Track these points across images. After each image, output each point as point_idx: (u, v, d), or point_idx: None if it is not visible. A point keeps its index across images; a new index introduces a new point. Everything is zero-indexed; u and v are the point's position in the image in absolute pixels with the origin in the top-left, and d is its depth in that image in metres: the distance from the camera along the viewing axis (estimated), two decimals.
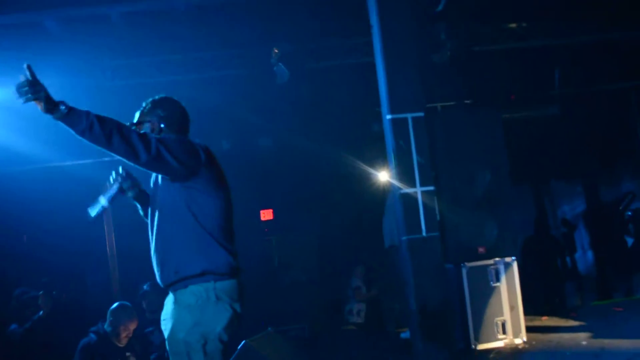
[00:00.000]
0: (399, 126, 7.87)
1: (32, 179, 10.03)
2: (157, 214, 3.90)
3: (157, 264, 3.88)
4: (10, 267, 9.57)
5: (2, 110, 8.99)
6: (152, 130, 4.04)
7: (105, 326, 6.71)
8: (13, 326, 7.37)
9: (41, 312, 7.23)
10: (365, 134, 10.69)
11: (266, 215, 12.52)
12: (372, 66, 8.19)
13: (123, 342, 6.73)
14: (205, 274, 3.74)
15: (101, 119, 3.55)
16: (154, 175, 4.04)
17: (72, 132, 3.54)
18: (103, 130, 3.54)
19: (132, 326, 6.77)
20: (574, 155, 12.84)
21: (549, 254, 12.70)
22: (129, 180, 4.12)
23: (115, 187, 4.13)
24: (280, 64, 9.59)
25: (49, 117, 3.51)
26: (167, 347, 3.81)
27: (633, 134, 13.29)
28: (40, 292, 7.40)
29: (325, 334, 10.21)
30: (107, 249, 9.89)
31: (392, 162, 7.93)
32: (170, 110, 4.15)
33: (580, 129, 12.34)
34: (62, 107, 3.49)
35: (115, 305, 6.80)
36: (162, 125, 4.07)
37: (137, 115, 4.18)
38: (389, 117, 7.89)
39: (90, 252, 10.06)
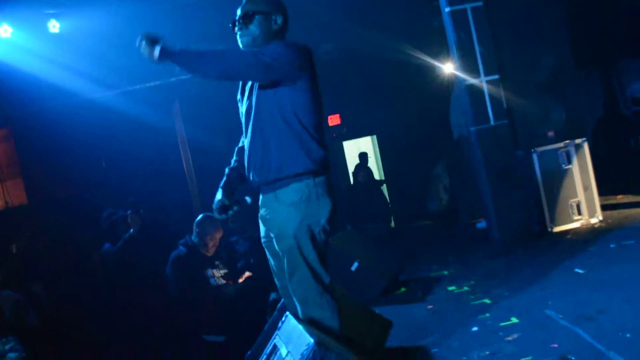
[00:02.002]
0: (458, 18, 7.84)
1: (103, 105, 10.29)
2: (254, 116, 3.92)
3: (256, 163, 3.94)
4: (93, 192, 9.94)
5: (74, 38, 9.22)
6: (266, 22, 3.92)
7: (193, 237, 6.97)
8: (106, 245, 7.70)
9: (131, 230, 7.52)
10: (426, 30, 10.62)
11: (333, 120, 12.66)
12: None
13: (211, 252, 7.00)
14: (305, 171, 3.86)
15: (201, 50, 3.58)
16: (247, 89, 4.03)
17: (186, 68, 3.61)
18: (212, 56, 3.58)
19: (218, 235, 7.03)
20: None
21: (620, 134, 12.55)
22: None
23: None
24: None
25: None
26: (277, 245, 3.98)
27: None
28: (129, 212, 7.68)
29: (403, 230, 10.40)
30: (184, 167, 10.18)
31: (455, 54, 7.93)
32: (286, 15, 4.00)
33: None
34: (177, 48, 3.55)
35: (200, 217, 7.03)
36: (277, 20, 3.94)
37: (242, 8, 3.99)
38: (447, 9, 7.86)
39: (167, 172, 10.35)
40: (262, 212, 4.04)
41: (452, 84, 10.18)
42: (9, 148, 11.21)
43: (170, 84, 10.24)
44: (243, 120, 4.04)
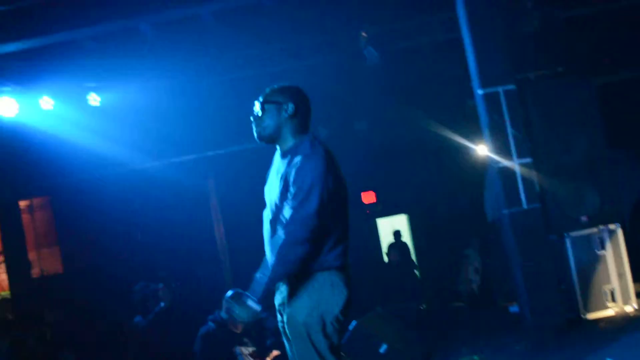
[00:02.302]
0: (491, 100, 7.88)
1: (140, 177, 10.46)
2: (274, 212, 3.99)
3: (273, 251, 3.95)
4: (127, 263, 10.05)
5: (113, 111, 9.45)
6: (277, 111, 3.96)
7: (222, 313, 7.01)
8: (137, 318, 7.78)
9: (162, 304, 7.60)
10: (459, 109, 10.69)
11: (368, 197, 12.70)
12: (459, 42, 8.20)
13: (239, 329, 7.02)
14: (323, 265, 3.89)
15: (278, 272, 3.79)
16: (271, 180, 4.09)
17: None
18: (281, 268, 3.78)
19: None
20: None
21: None
22: None
23: None
24: (369, 46, 9.68)
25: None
26: (288, 330, 3.95)
27: None
28: (160, 285, 7.77)
29: (434, 312, 10.30)
30: (217, 241, 10.28)
31: (487, 136, 7.95)
32: (300, 103, 4.04)
33: None
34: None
35: (230, 292, 7.06)
36: (288, 109, 3.97)
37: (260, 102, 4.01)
38: (480, 91, 7.90)
39: (200, 248, 10.44)
40: (276, 295, 4.04)
41: (486, 165, 10.19)
42: (47, 217, 11.43)
43: (206, 158, 10.40)
44: (266, 212, 4.07)
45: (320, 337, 3.82)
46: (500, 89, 7.87)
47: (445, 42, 9.58)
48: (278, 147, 4.06)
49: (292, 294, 3.92)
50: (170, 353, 7.22)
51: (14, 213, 10.64)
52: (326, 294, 3.85)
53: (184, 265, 9.88)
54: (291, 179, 3.83)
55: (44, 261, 10.95)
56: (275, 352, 7.10)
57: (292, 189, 3.82)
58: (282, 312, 4.04)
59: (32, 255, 10.90)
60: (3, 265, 10.87)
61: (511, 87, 7.91)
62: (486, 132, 7.95)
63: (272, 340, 7.85)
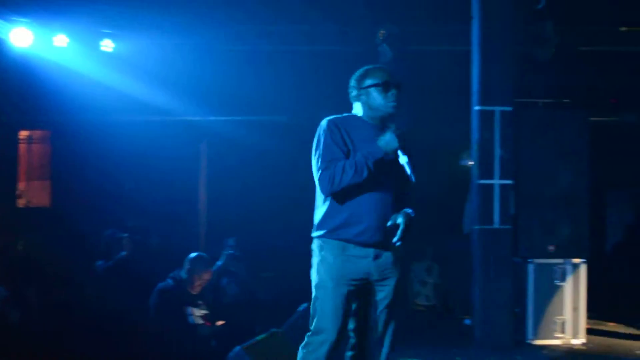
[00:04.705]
0: (486, 118, 8.02)
1: (140, 129, 10.66)
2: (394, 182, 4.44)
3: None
4: (113, 208, 10.25)
5: (125, 60, 9.66)
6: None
7: (182, 273, 7.21)
8: (99, 262, 8.00)
9: (123, 253, 7.81)
10: (456, 121, 10.80)
11: None
12: (469, 55, 8.33)
13: (196, 290, 7.22)
14: None
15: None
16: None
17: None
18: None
19: (206, 276, 7.26)
20: None
21: (638, 263, 12.53)
22: None
23: None
24: (384, 44, 9.84)
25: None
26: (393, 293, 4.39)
27: None
28: (125, 235, 8.00)
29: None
30: (199, 206, 10.50)
31: (475, 152, 8.10)
32: None
33: None
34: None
35: (193, 255, 7.29)
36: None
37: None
38: (477, 108, 8.05)
39: (182, 209, 10.65)
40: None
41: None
42: (44, 150, 11.62)
43: (203, 122, 10.60)
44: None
45: None
46: (497, 109, 8.02)
47: (458, 53, 9.71)
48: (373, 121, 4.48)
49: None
50: (125, 301, 7.41)
51: (12, 141, 10.84)
52: None
53: (163, 223, 10.07)
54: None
55: (31, 193, 11.16)
56: (220, 322, 7.26)
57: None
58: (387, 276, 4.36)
59: (21, 185, 11.12)
60: None
61: (508, 108, 8.04)
62: (475, 147, 8.10)
63: (230, 304, 8.12)
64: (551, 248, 8.11)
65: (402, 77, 10.24)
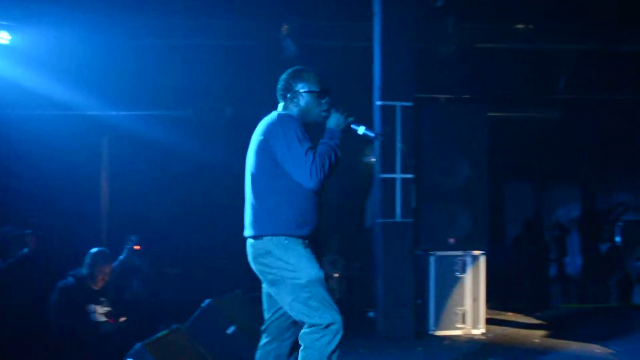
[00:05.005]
0: (387, 113, 8.13)
1: (41, 124, 10.40)
2: None
3: None
4: (5, 206, 9.97)
5: (21, 54, 9.40)
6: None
7: (83, 269, 7.11)
8: None
9: (26, 250, 7.63)
10: (358, 115, 10.90)
11: None
12: (371, 51, 8.42)
13: (99, 285, 7.13)
14: None
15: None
16: None
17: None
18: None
19: (107, 269, 7.20)
20: (573, 161, 13.01)
21: (536, 254, 12.94)
22: None
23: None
24: (288, 39, 9.85)
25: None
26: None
27: (632, 145, 13.47)
28: (29, 231, 7.81)
29: None
30: (101, 201, 10.34)
31: (377, 146, 8.20)
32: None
33: (580, 136, 12.52)
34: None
35: (94, 250, 7.22)
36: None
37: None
38: (378, 103, 8.15)
39: (84, 204, 10.45)
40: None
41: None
42: None
43: (105, 117, 10.44)
44: None
45: None
46: (398, 104, 8.13)
47: (361, 49, 9.80)
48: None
49: None
50: (26, 299, 7.26)
51: None
52: None
53: (64, 218, 9.87)
54: None
55: None
56: (122, 318, 7.20)
57: None
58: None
59: None
60: None
61: (409, 103, 8.17)
62: (376, 142, 8.19)
63: (131, 301, 8.04)
64: (451, 240, 8.28)
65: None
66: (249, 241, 4.46)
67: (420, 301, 8.17)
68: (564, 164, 13.04)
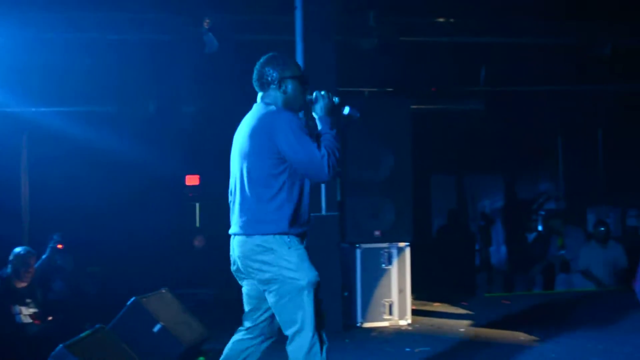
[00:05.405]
0: (309, 107, 8.09)
1: None
2: None
3: None
4: None
5: None
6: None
7: (7, 269, 7.06)
8: None
9: None
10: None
11: (192, 180, 12.71)
12: (294, 45, 8.40)
13: (25, 281, 7.07)
14: None
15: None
16: None
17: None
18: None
19: (32, 261, 7.15)
20: (497, 152, 13.27)
21: (461, 245, 13.16)
22: None
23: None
24: (210, 33, 9.77)
25: None
26: None
27: (552, 136, 13.81)
28: None
29: (230, 301, 10.45)
30: (22, 199, 10.13)
31: None
32: None
33: (503, 127, 12.77)
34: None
35: (17, 249, 7.22)
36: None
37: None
38: None
39: (3, 203, 10.21)
40: None
41: None
42: None
43: (25, 113, 10.23)
44: None
45: None
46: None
47: (283, 43, 9.78)
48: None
49: None
50: None
51: None
52: None
53: None
54: None
55: None
56: (49, 317, 7.11)
57: None
58: None
59: None
60: None
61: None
62: None
63: (55, 301, 7.93)
64: (377, 233, 8.32)
65: (228, 67, 10.35)
66: (241, 238, 4.36)
67: (347, 294, 8.19)
68: (487, 155, 13.29)
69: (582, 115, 12.73)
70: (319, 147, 4.26)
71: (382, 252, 8.30)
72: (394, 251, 8.34)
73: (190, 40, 9.80)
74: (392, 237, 8.36)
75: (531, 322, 8.16)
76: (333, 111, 4.50)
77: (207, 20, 9.72)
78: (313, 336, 4.21)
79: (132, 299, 6.57)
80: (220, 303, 10.27)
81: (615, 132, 13.31)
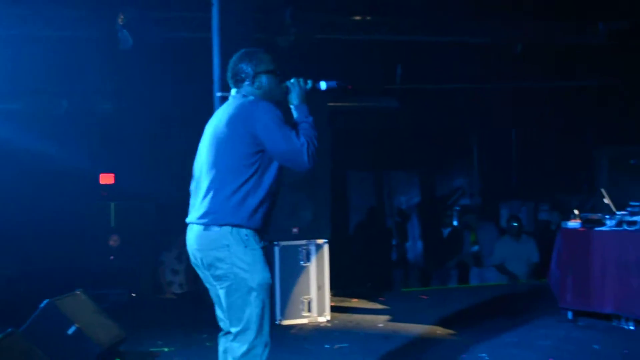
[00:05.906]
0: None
1: None
2: None
3: None
4: None
5: None
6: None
7: None
8: None
9: None
10: (202, 105, 10.83)
11: (106, 179, 12.47)
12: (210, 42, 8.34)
13: None
14: None
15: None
16: None
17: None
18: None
19: None
20: (413, 149, 13.41)
21: (378, 240, 13.30)
22: None
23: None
24: (124, 30, 9.63)
25: None
26: None
27: (467, 133, 14.07)
28: None
29: (145, 301, 10.35)
30: None
31: None
32: None
33: (419, 124, 12.93)
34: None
35: None
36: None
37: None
38: (218, 94, 8.08)
39: None
40: None
41: None
42: None
43: None
44: None
45: None
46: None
47: (200, 40, 9.70)
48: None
49: None
50: None
51: None
52: None
53: None
54: None
55: None
56: None
57: None
58: None
59: None
60: None
61: None
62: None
63: None
64: (295, 230, 8.33)
65: (144, 65, 10.23)
66: (198, 230, 4.32)
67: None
68: (404, 152, 13.43)
69: (496, 112, 12.97)
70: (297, 135, 4.23)
71: (300, 249, 8.31)
72: (312, 248, 8.36)
73: (105, 37, 9.66)
74: (310, 234, 8.38)
75: (448, 316, 8.29)
76: (308, 97, 4.49)
77: (122, 17, 9.58)
78: (255, 338, 4.16)
79: (46, 301, 6.41)
80: (135, 303, 10.14)
81: (528, 129, 13.61)
